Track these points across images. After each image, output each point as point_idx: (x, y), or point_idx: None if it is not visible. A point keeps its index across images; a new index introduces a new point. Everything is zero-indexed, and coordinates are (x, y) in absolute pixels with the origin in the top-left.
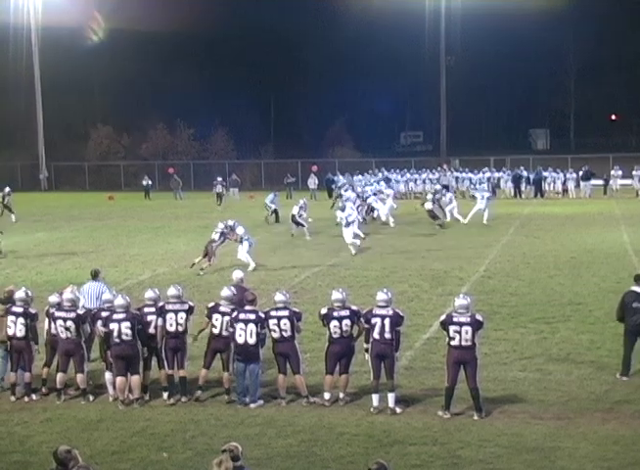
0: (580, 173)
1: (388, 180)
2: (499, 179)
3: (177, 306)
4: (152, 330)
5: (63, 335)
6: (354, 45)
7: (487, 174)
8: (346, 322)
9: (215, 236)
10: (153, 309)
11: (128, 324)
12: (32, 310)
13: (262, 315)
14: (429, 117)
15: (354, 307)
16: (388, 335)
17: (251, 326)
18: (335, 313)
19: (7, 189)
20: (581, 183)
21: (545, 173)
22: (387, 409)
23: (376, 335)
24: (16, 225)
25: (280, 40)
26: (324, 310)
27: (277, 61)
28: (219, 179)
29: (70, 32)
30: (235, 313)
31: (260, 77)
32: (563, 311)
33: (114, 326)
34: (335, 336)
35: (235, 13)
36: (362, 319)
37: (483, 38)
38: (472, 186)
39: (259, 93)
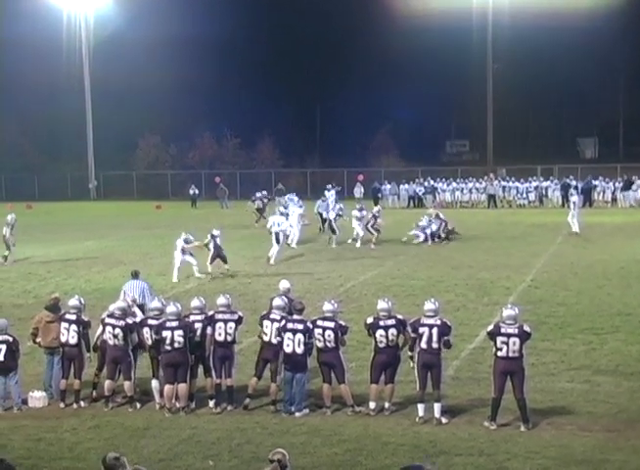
0: (622, 183)
1: (434, 190)
2: (547, 189)
3: (227, 316)
4: (197, 338)
5: (111, 342)
6: (400, 53)
7: (535, 184)
8: (392, 331)
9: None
10: (199, 318)
11: (181, 332)
12: (85, 318)
13: (310, 325)
14: (475, 125)
15: (400, 317)
16: (435, 345)
17: (299, 336)
18: (381, 323)
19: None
20: (622, 193)
21: (595, 182)
22: (432, 420)
23: (423, 344)
24: (58, 236)
25: (326, 49)
26: (370, 320)
27: (323, 70)
28: (258, 195)
29: (120, 44)
30: (283, 323)
31: (306, 86)
32: (612, 322)
33: (166, 334)
34: (381, 345)
35: (281, 22)
36: (409, 328)
37: (531, 46)
38: (518, 195)
39: (305, 102)
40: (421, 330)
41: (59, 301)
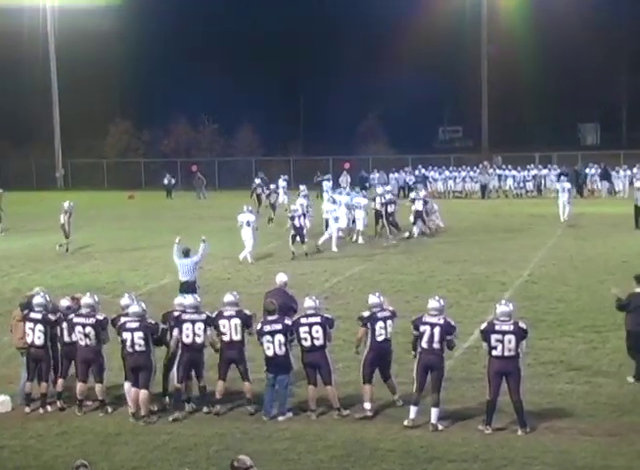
0: (599, 171)
1: (425, 178)
2: (545, 177)
3: (194, 317)
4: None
5: (82, 342)
6: (388, 34)
7: (533, 172)
8: (390, 323)
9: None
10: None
11: (141, 334)
12: (52, 317)
13: (289, 323)
14: (469, 110)
15: (392, 308)
16: (436, 345)
17: (279, 336)
18: (379, 315)
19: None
20: (600, 182)
21: (592, 170)
22: (427, 425)
23: (424, 344)
24: (22, 228)
25: (309, 29)
26: (366, 313)
27: (307, 51)
28: (257, 181)
29: (87, 25)
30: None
31: (289, 69)
32: (614, 319)
33: (126, 335)
34: (379, 339)
35: (262, 3)
36: (411, 326)
37: (528, 26)
38: (515, 185)
39: (288, 85)
40: (422, 328)
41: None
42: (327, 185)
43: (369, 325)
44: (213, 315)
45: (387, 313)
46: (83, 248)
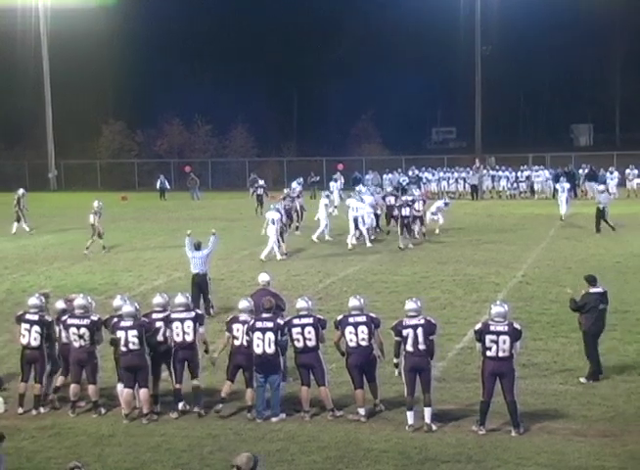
0: (586, 171)
1: (418, 179)
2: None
3: (183, 315)
4: (160, 337)
5: (76, 343)
6: (383, 34)
7: (527, 173)
8: (362, 329)
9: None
10: (161, 316)
11: (135, 332)
12: (48, 318)
13: (281, 322)
14: (463, 111)
15: (372, 315)
16: (421, 346)
17: (269, 335)
18: (350, 319)
19: (21, 191)
20: (587, 183)
21: (587, 171)
22: (423, 426)
23: (409, 347)
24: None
25: (304, 31)
26: (339, 316)
27: (300, 52)
28: (261, 182)
29: (80, 25)
30: (252, 322)
31: (283, 70)
32: (608, 320)
33: (120, 334)
34: (351, 344)
35: (256, 3)
36: (392, 332)
37: (522, 26)
38: (509, 185)
39: (282, 86)
40: (405, 332)
41: (48, 297)
42: (334, 186)
43: (339, 328)
44: (228, 319)
45: (361, 319)
46: (78, 248)
